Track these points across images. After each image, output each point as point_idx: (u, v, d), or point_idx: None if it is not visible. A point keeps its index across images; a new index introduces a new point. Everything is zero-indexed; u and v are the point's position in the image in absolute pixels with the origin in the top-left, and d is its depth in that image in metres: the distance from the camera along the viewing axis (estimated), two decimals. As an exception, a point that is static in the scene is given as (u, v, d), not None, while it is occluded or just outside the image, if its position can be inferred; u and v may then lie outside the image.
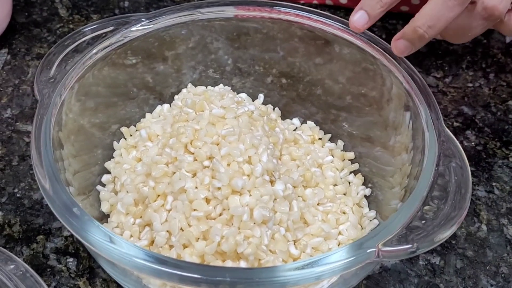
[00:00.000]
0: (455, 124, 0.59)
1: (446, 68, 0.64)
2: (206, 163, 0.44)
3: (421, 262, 0.48)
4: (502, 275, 0.47)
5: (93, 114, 0.51)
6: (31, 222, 0.49)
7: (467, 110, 0.60)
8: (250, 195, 0.42)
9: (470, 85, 0.63)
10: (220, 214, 0.42)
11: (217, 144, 0.44)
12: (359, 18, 0.48)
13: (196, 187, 0.43)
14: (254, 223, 0.41)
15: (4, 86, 0.60)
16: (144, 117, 0.55)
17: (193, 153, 0.44)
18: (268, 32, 0.57)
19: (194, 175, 0.43)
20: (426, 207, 0.38)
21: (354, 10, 0.49)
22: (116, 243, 0.35)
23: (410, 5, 0.68)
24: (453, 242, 0.49)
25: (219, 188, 0.42)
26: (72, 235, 0.48)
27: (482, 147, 0.57)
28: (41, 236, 0.48)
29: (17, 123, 0.57)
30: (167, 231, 0.42)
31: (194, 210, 0.42)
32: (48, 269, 0.46)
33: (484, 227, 0.50)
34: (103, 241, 0.36)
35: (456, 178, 0.39)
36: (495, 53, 0.66)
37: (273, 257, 0.41)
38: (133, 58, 0.54)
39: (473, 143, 0.57)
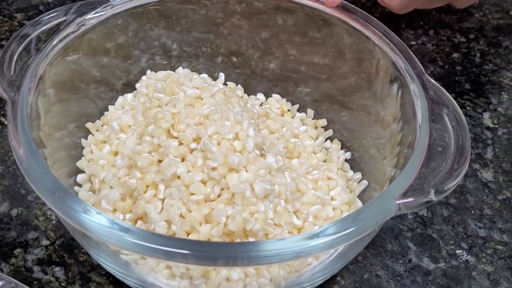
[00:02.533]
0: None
1: (388, 29, 0.65)
2: (193, 145, 0.42)
3: (410, 217, 0.48)
4: (487, 217, 0.49)
5: (49, 115, 0.48)
6: (4, 237, 0.45)
7: (417, 67, 0.61)
8: (247, 171, 0.41)
9: (414, 43, 0.64)
10: (219, 195, 0.40)
11: (201, 125, 0.43)
12: None
13: (188, 171, 0.41)
14: (257, 198, 0.40)
15: None
16: (100, 111, 0.52)
17: (177, 137, 0.42)
18: (207, 12, 0.56)
19: (183, 159, 0.42)
20: (430, 158, 0.38)
21: None
22: (126, 231, 0.33)
23: None
24: (435, 192, 0.50)
25: (214, 168, 0.40)
26: (52, 243, 0.45)
27: (438, 100, 0.58)
28: (19, 249, 0.44)
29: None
30: (165, 220, 0.40)
31: (192, 194, 0.40)
32: (35, 282, 0.43)
33: (460, 174, 0.52)
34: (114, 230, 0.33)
35: (453, 124, 0.40)
36: (429, 10, 0.68)
37: (280, 230, 0.40)
38: (73, 54, 0.51)
39: (430, 97, 0.58)
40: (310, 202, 0.44)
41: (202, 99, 0.45)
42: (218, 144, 0.41)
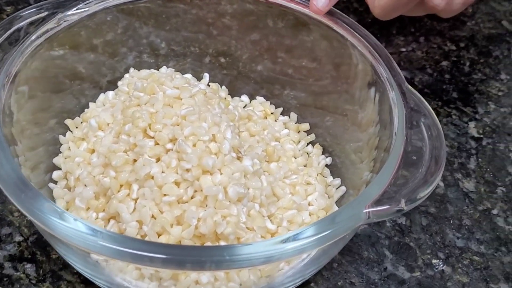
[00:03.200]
0: (396, 88, 0.59)
1: (378, 35, 0.65)
2: (169, 145, 0.42)
3: (388, 224, 0.48)
4: (466, 227, 0.48)
5: (28, 110, 0.48)
6: (-25, 232, 0.45)
7: (405, 74, 0.61)
8: (221, 174, 0.40)
9: (403, 49, 0.64)
10: (192, 197, 0.40)
11: (178, 125, 0.42)
12: (320, 0, 0.47)
13: (163, 172, 0.40)
14: (230, 202, 0.40)
15: None
16: (82, 108, 0.51)
17: (153, 137, 0.42)
18: (198, 12, 0.55)
19: (158, 159, 0.41)
20: (404, 166, 0.38)
21: None
22: (94, 233, 0.33)
23: None
24: (415, 201, 0.50)
25: (188, 170, 0.40)
26: (25, 240, 0.45)
27: (425, 107, 0.58)
28: (-9, 245, 0.44)
29: None
30: (137, 221, 0.40)
31: (165, 195, 0.40)
32: (5, 279, 0.42)
33: (441, 183, 0.51)
34: (82, 231, 0.33)
35: (429, 133, 0.39)
36: (421, 17, 0.67)
37: (252, 234, 0.40)
38: (59, 49, 0.51)
39: (416, 105, 0.58)
40: (286, 206, 0.44)
41: (181, 99, 0.44)
42: (194, 145, 0.41)
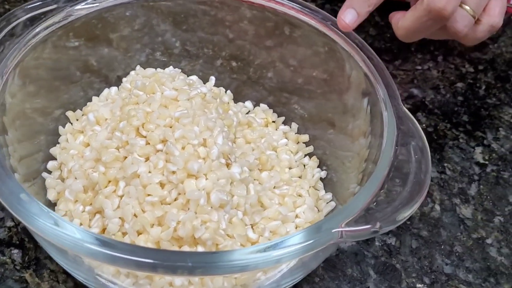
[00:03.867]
0: (406, 106, 0.58)
1: (395, 51, 0.64)
2: (159, 146, 0.42)
3: (377, 243, 0.48)
4: (457, 254, 0.48)
5: (34, 99, 0.49)
6: (-30, 214, 0.46)
7: (417, 92, 0.60)
8: (207, 179, 0.41)
9: (419, 67, 0.63)
10: (176, 199, 0.40)
11: (171, 127, 0.43)
12: (349, 16, 0.47)
13: (149, 172, 0.41)
14: (211, 207, 0.40)
15: None
16: (89, 101, 0.52)
17: (145, 137, 0.43)
18: (217, 14, 0.55)
19: (147, 159, 0.42)
20: (387, 186, 0.37)
21: (343, 8, 0.48)
22: (66, 229, 0.33)
23: None
24: (408, 222, 0.49)
25: (174, 172, 0.40)
26: (16, 225, 0.46)
27: (432, 128, 0.57)
28: (-18, 228, 0.45)
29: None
30: (120, 217, 0.40)
31: (148, 195, 0.40)
32: (-9, 262, 0.44)
33: (437, 207, 0.51)
34: (52, 227, 0.33)
35: (416, 156, 0.39)
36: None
37: (231, 241, 0.40)
38: (75, 40, 0.52)
39: (424, 125, 0.57)
40: (271, 217, 0.44)
41: (178, 101, 0.45)
42: (183, 148, 0.41)
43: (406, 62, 0.63)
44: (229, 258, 0.33)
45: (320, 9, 0.49)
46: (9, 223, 0.46)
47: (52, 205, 0.45)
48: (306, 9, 0.49)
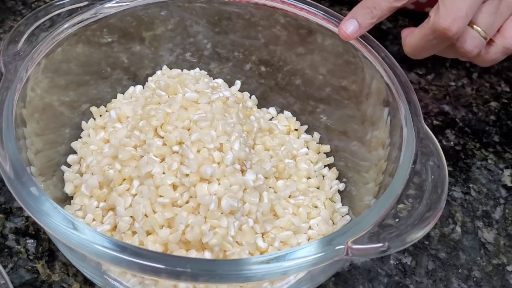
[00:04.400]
0: (435, 122, 0.57)
1: (430, 65, 0.63)
2: (176, 148, 0.42)
3: (392, 262, 0.47)
4: (474, 279, 0.46)
5: (62, 92, 0.49)
6: (-9, 201, 0.47)
7: (448, 109, 0.59)
8: (219, 184, 0.40)
9: (453, 84, 0.61)
10: (187, 202, 0.40)
11: (188, 129, 0.43)
12: (349, 26, 0.47)
13: (163, 173, 0.41)
14: (222, 213, 0.40)
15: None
16: (116, 97, 0.53)
17: (162, 137, 0.43)
18: (251, 18, 0.55)
19: (163, 160, 0.42)
20: (400, 206, 0.37)
21: (346, 18, 0.47)
22: (75, 227, 0.34)
23: (415, 3, 0.66)
24: (426, 242, 0.48)
25: (187, 175, 0.40)
26: (33, 216, 0.46)
27: (461, 147, 0.56)
28: (1, 215, 0.46)
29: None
30: (131, 216, 0.41)
31: (160, 196, 0.40)
32: (6, 250, 0.44)
33: (458, 229, 0.49)
34: (60, 225, 0.34)
35: (432, 177, 0.38)
36: (479, 53, 0.64)
37: (239, 249, 0.40)
38: (108, 36, 0.52)
39: (452, 143, 0.56)
40: (283, 226, 0.43)
41: (198, 103, 0.45)
42: (198, 151, 0.41)
43: (439, 78, 0.62)
44: (233, 267, 0.33)
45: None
46: (27, 213, 0.46)
47: (69, 198, 0.45)
48: (331, 17, 0.49)
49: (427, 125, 0.42)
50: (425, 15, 0.48)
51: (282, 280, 0.40)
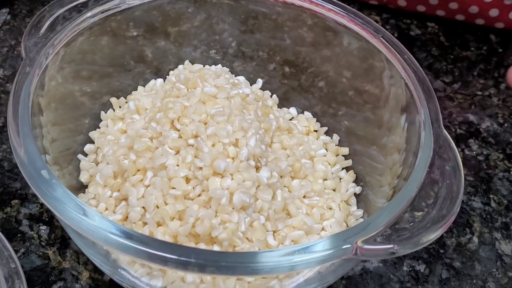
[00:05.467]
0: (459, 131, 0.56)
1: (456, 73, 0.62)
2: (191, 141, 0.42)
3: (405, 268, 0.46)
4: (489, 291, 0.45)
5: (85, 82, 0.50)
6: (8, 186, 0.47)
7: (473, 118, 0.58)
8: (232, 179, 0.40)
9: (479, 93, 0.60)
10: (199, 195, 0.40)
11: (205, 124, 0.43)
12: None
13: (177, 165, 0.41)
14: (233, 208, 0.39)
15: (-1, 45, 0.59)
16: (137, 90, 0.53)
17: (179, 130, 0.43)
18: (277, 18, 0.55)
19: (177, 152, 0.42)
20: (414, 209, 0.36)
21: None
22: (85, 213, 0.33)
23: (427, 4, 0.66)
24: (441, 251, 0.47)
25: (200, 168, 0.40)
26: (48, 203, 0.47)
27: (483, 157, 0.54)
28: (16, 201, 0.47)
29: (8, 84, 0.55)
30: (143, 207, 0.41)
31: (173, 188, 0.40)
32: (19, 235, 0.45)
33: (475, 239, 0.48)
34: (71, 210, 0.34)
35: (448, 182, 0.37)
36: (510, 63, 0.63)
37: (249, 245, 0.40)
38: (134, 30, 0.52)
39: (474, 153, 0.55)
40: (295, 226, 0.43)
41: (217, 98, 0.45)
42: (213, 145, 0.41)
43: (466, 86, 0.61)
44: (236, 259, 0.33)
45: (371, 21, 0.48)
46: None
47: (84, 187, 0.45)
48: (358, 19, 0.48)
49: (450, 133, 0.41)
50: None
51: (290, 278, 0.39)
